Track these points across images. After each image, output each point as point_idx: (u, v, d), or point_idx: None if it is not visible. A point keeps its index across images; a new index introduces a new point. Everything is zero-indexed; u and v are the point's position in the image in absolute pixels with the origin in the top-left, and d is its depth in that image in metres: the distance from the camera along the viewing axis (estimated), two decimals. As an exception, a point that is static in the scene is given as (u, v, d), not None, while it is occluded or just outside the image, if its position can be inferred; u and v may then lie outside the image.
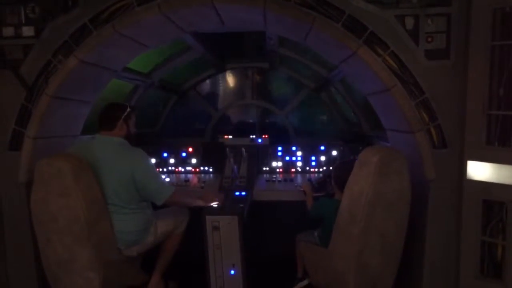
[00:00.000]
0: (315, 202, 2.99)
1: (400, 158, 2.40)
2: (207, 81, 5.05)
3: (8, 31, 2.74)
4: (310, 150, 4.07)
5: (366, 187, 2.32)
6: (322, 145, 4.07)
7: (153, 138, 4.62)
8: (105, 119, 2.78)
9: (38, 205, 2.46)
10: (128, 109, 2.85)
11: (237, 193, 3.28)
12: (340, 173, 2.76)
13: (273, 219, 3.74)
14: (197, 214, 2.93)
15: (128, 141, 2.83)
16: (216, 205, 2.97)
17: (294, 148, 4.12)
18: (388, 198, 2.36)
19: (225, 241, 2.88)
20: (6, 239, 2.91)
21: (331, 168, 3.54)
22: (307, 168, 4.02)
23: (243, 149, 3.80)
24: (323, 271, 2.77)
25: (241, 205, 2.98)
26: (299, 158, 4.08)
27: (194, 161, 4.14)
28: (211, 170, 4.07)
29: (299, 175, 3.91)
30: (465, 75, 2.44)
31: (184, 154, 4.20)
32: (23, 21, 2.73)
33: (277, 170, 4.02)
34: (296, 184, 3.57)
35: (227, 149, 3.75)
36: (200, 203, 3.01)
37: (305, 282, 3.17)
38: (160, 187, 2.82)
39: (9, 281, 2.94)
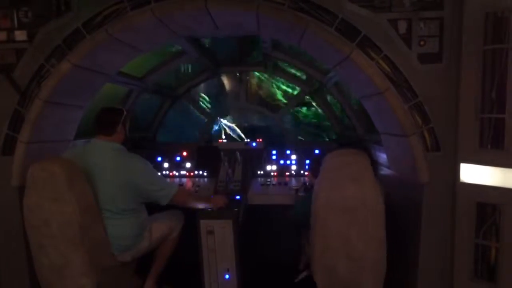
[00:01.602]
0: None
1: (358, 164, 2.36)
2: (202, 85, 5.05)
3: (1, 35, 2.72)
4: (304, 154, 4.08)
5: (318, 190, 2.42)
6: (316, 149, 4.08)
7: (147, 142, 4.60)
8: (104, 124, 2.75)
9: (31, 210, 2.44)
10: (125, 113, 2.85)
11: (231, 197, 3.27)
12: (314, 165, 2.95)
13: (268, 223, 3.74)
14: (192, 219, 2.92)
15: (124, 146, 2.83)
16: (210, 209, 2.96)
17: (288, 152, 4.13)
18: (344, 204, 2.34)
19: (219, 246, 2.87)
20: (-2, 244, 2.89)
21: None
22: (302, 171, 4.02)
23: (238, 153, 3.80)
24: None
25: (236, 209, 2.97)
26: (293, 162, 4.08)
27: (188, 165, 4.13)
28: (205, 174, 4.06)
29: (293, 179, 3.91)
30: (458, 79, 2.44)
31: (178, 158, 4.20)
32: (16, 26, 2.72)
33: (272, 173, 4.01)
34: (290, 188, 3.57)
35: (222, 153, 3.75)
36: (208, 205, 2.99)
37: (304, 274, 3.19)
38: (163, 187, 2.80)
39: (1, 286, 2.91)
